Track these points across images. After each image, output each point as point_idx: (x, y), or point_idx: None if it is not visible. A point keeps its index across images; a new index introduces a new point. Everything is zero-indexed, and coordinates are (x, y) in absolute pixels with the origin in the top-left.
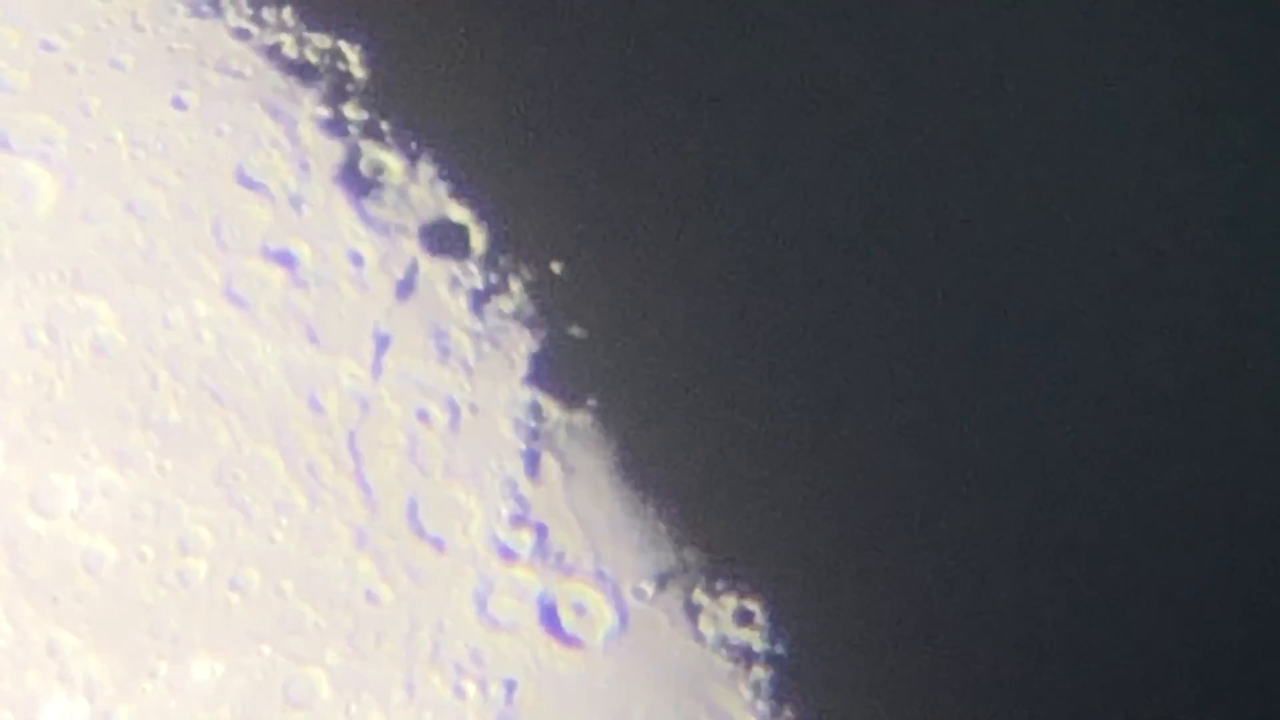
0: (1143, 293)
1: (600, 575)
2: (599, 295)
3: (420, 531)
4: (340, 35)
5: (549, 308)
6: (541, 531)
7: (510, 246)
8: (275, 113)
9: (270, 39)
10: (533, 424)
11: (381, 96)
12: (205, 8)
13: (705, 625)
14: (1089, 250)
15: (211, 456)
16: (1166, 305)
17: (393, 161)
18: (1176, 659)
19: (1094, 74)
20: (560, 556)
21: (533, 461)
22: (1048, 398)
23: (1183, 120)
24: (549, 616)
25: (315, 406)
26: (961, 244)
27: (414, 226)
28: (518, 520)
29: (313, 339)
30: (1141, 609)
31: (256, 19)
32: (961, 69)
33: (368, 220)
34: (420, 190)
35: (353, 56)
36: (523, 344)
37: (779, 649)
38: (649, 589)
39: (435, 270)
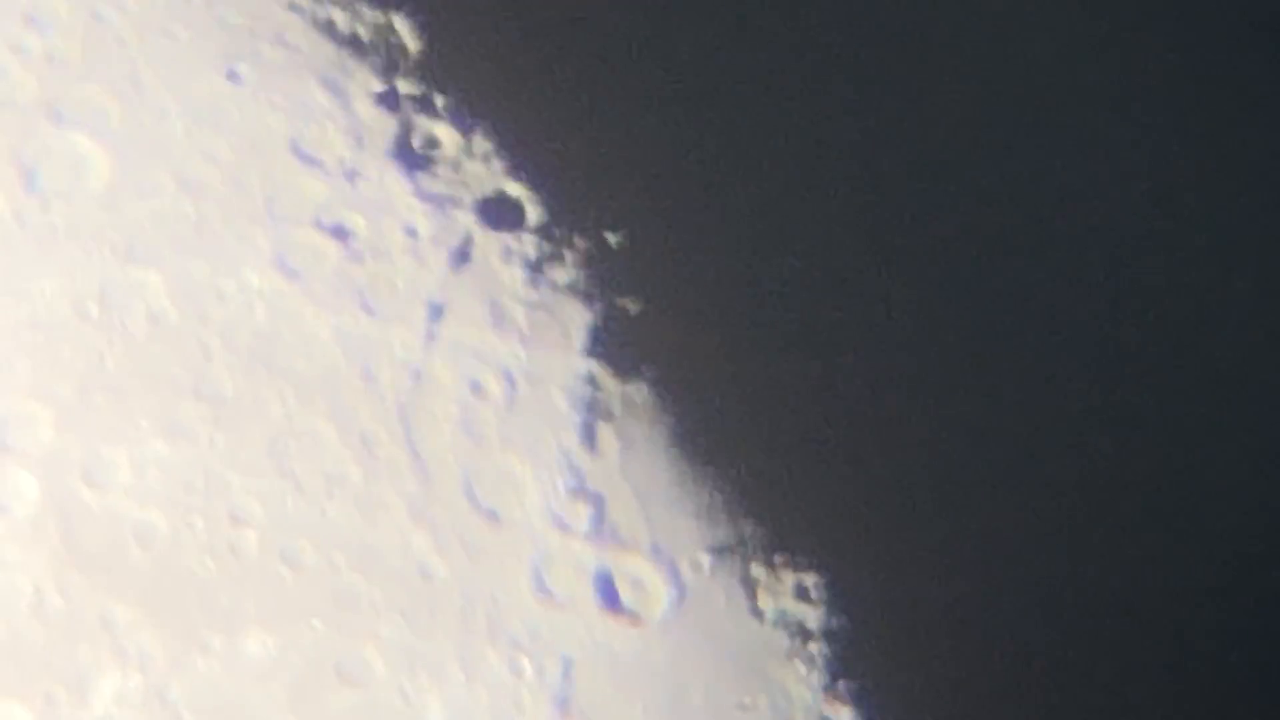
0: (1147, 288)
1: (657, 549)
2: (655, 267)
3: (475, 504)
4: (392, 9)
5: (604, 279)
6: (598, 504)
7: (565, 219)
8: (329, 86)
9: (323, 12)
10: (589, 395)
11: (435, 70)
12: None
13: (763, 600)
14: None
15: (264, 428)
16: (1171, 302)
17: (446, 135)
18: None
19: (1097, 77)
20: (617, 529)
21: (589, 433)
22: (1093, 385)
23: (1181, 119)
24: (606, 591)
25: (368, 378)
26: (1012, 233)
27: (468, 199)
28: (574, 492)
29: (367, 310)
30: (1192, 593)
31: None
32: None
33: (422, 193)
34: (474, 163)
35: (405, 30)
36: (578, 315)
37: (836, 624)
38: (706, 562)
39: (489, 242)
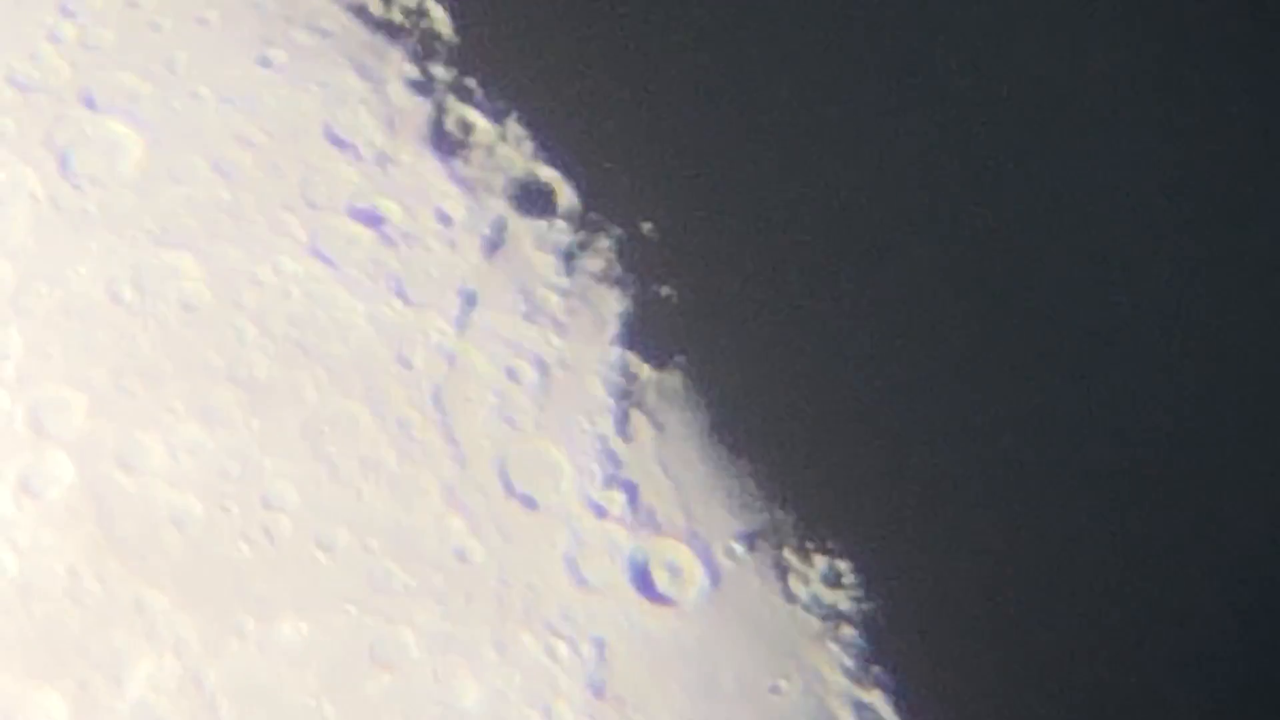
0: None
1: (692, 534)
2: (688, 254)
3: (510, 489)
4: None
5: (638, 267)
6: (632, 490)
7: (599, 205)
8: (363, 71)
9: None
10: (623, 382)
11: (469, 55)
12: None
13: (795, 585)
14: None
15: (298, 413)
16: (1174, 300)
17: (480, 120)
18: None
19: (1101, 73)
20: (651, 515)
21: (623, 419)
22: (1122, 376)
23: (1184, 118)
24: (640, 576)
25: (403, 362)
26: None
27: (502, 185)
28: (609, 478)
29: (400, 296)
30: (1219, 578)
31: None
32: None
33: (455, 178)
34: (508, 148)
35: (439, 14)
36: (612, 302)
37: (868, 609)
38: (740, 548)
39: (523, 228)
